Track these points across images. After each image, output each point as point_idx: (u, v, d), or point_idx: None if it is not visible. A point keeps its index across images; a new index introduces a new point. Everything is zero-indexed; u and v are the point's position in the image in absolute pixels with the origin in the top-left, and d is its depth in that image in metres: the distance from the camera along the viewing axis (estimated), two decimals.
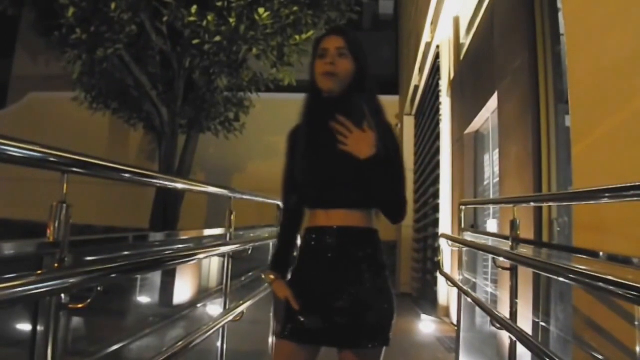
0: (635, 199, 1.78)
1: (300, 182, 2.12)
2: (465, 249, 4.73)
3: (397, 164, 2.09)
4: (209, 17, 8.41)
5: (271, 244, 4.82)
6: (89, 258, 1.82)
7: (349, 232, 2.05)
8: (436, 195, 9.00)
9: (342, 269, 2.03)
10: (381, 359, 2.02)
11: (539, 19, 4.24)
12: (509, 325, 2.79)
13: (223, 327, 3.08)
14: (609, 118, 2.86)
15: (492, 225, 5.91)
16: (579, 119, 3.28)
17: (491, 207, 6.02)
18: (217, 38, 8.56)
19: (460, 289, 4.31)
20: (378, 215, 2.12)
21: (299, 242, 2.25)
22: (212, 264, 4.97)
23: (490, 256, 3.83)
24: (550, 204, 3.88)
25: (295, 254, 2.26)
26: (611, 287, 1.55)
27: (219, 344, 3.17)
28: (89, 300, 1.54)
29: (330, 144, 2.00)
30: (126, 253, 2.25)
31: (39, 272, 1.43)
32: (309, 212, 2.15)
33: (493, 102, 5.55)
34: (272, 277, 2.13)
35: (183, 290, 5.01)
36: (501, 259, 3.15)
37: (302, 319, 2.01)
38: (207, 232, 3.73)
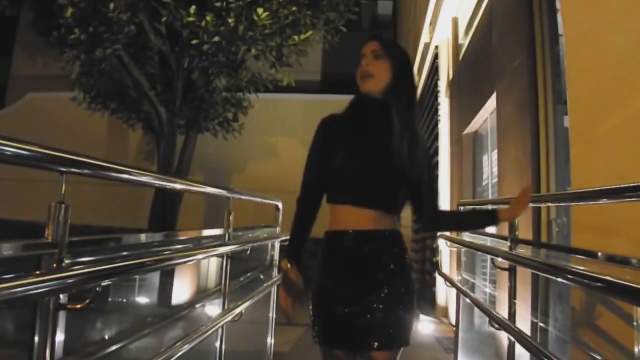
0: (634, 199, 1.79)
1: (340, 176, 2.11)
2: (463, 249, 4.73)
3: (430, 173, 2.24)
4: (208, 18, 8.40)
5: (270, 245, 4.82)
6: (87, 258, 1.81)
7: (374, 235, 2.09)
8: None
9: (369, 271, 2.07)
10: (398, 358, 2.09)
11: (538, 19, 4.25)
12: (508, 325, 2.79)
13: (222, 327, 3.08)
14: (607, 119, 2.86)
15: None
16: (577, 120, 3.28)
17: (490, 207, 6.02)
18: (216, 38, 8.55)
19: (458, 290, 4.31)
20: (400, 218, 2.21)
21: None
22: (211, 264, 4.97)
23: (489, 256, 3.83)
24: (549, 204, 3.88)
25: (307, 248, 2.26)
26: (609, 288, 1.56)
27: (217, 344, 3.17)
28: (87, 301, 1.54)
29: (369, 143, 2.10)
30: (125, 253, 2.25)
31: (38, 272, 1.43)
32: (335, 208, 2.16)
33: (492, 103, 5.56)
34: (288, 265, 2.14)
35: (181, 290, 5.01)
36: (500, 259, 3.15)
37: (334, 324, 2.07)
38: (206, 232, 3.73)
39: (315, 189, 2.19)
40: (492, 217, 2.21)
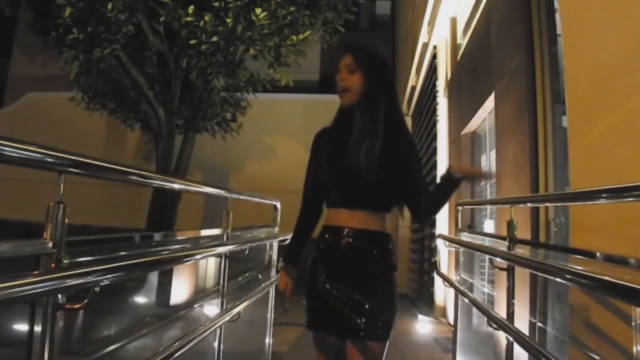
0: (632, 199, 1.79)
1: (325, 182, 2.32)
2: (462, 249, 4.73)
3: (413, 165, 2.32)
4: (206, 17, 8.40)
5: (268, 245, 4.82)
6: (85, 258, 1.81)
7: (363, 234, 2.24)
8: None
9: (353, 268, 2.23)
10: (384, 353, 2.24)
11: (536, 19, 4.25)
12: (506, 325, 2.79)
13: (220, 327, 3.08)
14: (605, 118, 2.86)
15: (489, 226, 5.92)
16: (575, 120, 3.28)
17: (488, 207, 6.03)
18: (214, 38, 8.55)
19: (457, 290, 4.31)
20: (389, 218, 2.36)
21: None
22: (209, 265, 4.96)
23: (487, 257, 3.84)
24: (547, 204, 3.88)
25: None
26: (608, 288, 1.56)
27: (215, 344, 3.17)
28: (85, 301, 1.54)
29: (346, 151, 2.23)
30: (123, 253, 2.24)
31: (36, 272, 1.42)
32: (328, 210, 2.35)
33: (490, 103, 5.56)
34: (282, 266, 2.42)
35: (180, 290, 4.99)
36: (498, 259, 3.15)
37: (320, 310, 2.26)
38: (204, 232, 3.73)
39: (313, 200, 2.41)
40: (449, 175, 2.31)
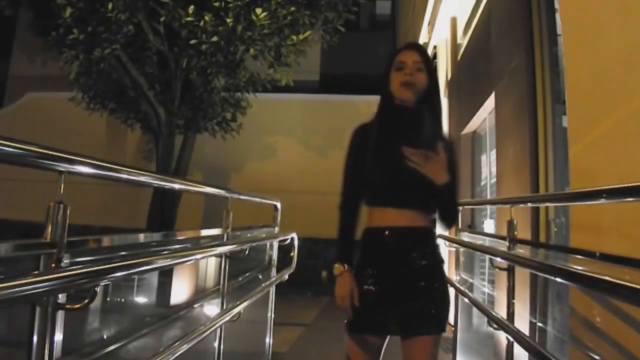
0: (632, 199, 1.79)
1: (374, 181, 2.27)
2: (462, 249, 4.73)
3: (456, 178, 2.31)
4: (206, 17, 8.41)
5: (268, 245, 4.81)
6: (85, 258, 1.81)
7: (410, 231, 2.23)
8: None
9: (404, 266, 2.22)
10: (439, 345, 2.25)
11: (536, 19, 4.25)
12: (506, 325, 2.79)
13: (220, 327, 3.07)
14: (606, 118, 2.86)
15: (489, 226, 5.91)
16: (576, 120, 3.28)
17: (488, 207, 6.03)
18: (214, 38, 8.55)
19: (457, 290, 4.31)
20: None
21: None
22: (209, 265, 4.96)
23: (487, 256, 3.84)
24: (547, 204, 3.88)
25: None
26: (608, 288, 1.56)
27: (216, 344, 3.17)
28: (86, 301, 1.54)
29: (400, 148, 2.16)
30: (123, 253, 2.24)
31: (36, 272, 1.42)
32: (371, 210, 2.30)
33: (490, 103, 5.56)
34: (340, 269, 2.24)
35: (180, 290, 4.99)
36: (498, 259, 3.15)
37: (368, 312, 2.21)
38: (204, 232, 3.73)
39: (353, 194, 2.34)
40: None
